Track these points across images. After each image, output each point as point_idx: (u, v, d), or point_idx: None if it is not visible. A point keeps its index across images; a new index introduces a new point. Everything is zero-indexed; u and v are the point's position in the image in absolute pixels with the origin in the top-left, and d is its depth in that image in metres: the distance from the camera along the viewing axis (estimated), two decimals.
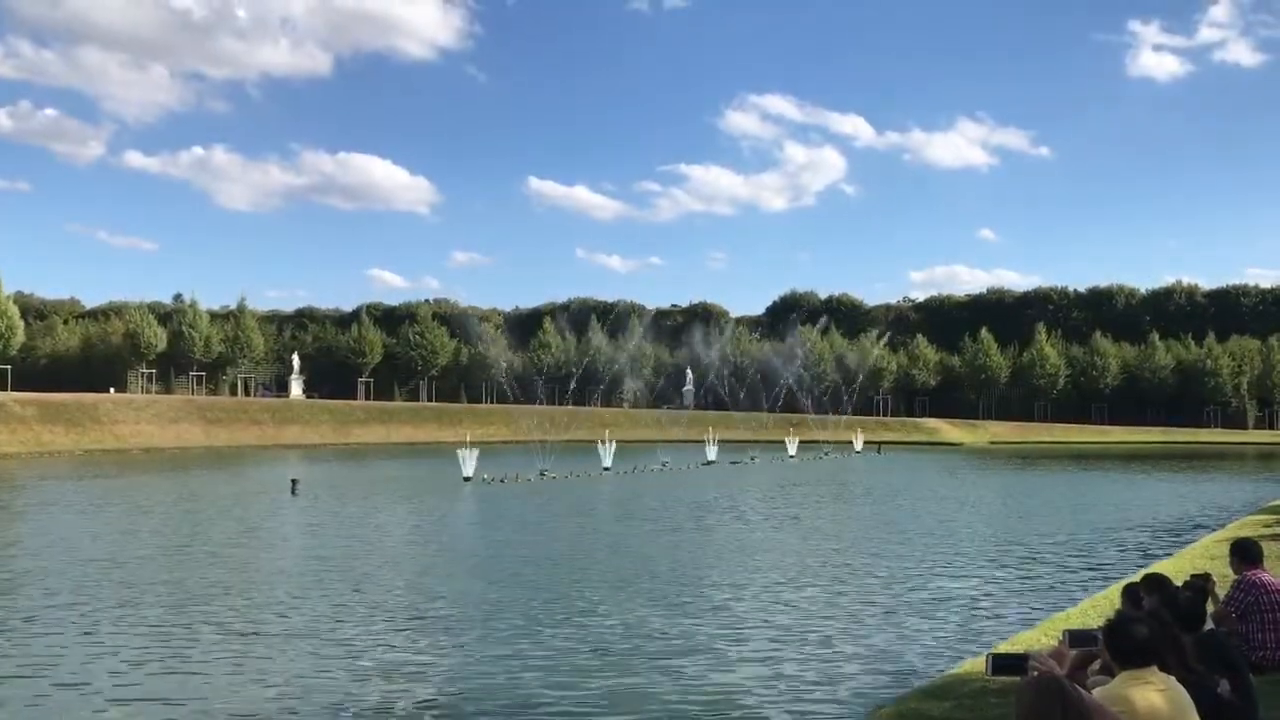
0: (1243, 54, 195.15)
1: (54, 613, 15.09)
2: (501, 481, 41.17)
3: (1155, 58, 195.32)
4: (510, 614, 15.14)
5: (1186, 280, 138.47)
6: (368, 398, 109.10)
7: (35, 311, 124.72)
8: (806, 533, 26.64)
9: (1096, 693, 5.00)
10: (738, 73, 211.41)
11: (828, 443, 75.57)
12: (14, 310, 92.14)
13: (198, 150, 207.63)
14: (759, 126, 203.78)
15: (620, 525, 28.09)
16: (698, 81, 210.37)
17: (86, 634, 13.76)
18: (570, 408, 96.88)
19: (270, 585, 17.83)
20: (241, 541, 23.98)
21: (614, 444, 51.78)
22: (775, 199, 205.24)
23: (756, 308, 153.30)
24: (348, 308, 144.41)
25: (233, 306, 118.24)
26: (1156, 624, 5.41)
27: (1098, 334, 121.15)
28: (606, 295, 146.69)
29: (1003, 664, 5.37)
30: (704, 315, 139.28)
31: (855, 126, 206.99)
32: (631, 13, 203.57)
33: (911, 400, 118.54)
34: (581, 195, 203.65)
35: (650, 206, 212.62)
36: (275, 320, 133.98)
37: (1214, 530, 24.90)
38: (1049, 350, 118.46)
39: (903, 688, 10.96)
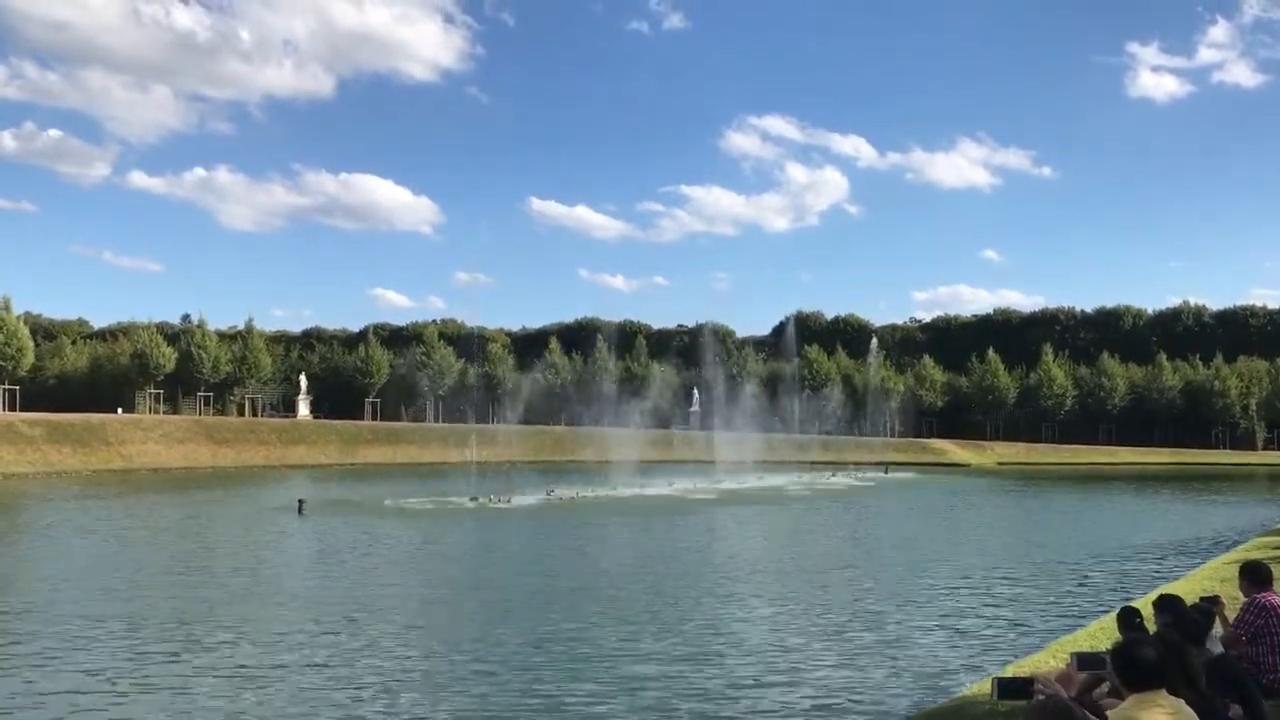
0: (1242, 75, 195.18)
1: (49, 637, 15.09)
2: (508, 502, 41.09)
3: (1154, 78, 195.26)
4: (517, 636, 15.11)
5: (1194, 301, 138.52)
6: (374, 418, 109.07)
7: (44, 332, 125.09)
8: (813, 554, 26.52)
9: (1107, 715, 4.96)
10: (737, 94, 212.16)
11: (836, 463, 75.37)
12: (23, 330, 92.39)
13: (200, 171, 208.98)
14: (760, 147, 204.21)
15: (633, 548, 28.01)
16: (698, 102, 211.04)
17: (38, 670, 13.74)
18: (576, 428, 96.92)
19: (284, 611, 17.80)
20: (250, 564, 23.95)
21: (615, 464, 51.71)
22: (778, 219, 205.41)
23: (762, 328, 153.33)
24: (355, 328, 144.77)
25: (240, 327, 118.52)
26: (1165, 646, 5.36)
27: (1105, 355, 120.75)
28: (611, 315, 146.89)
29: (1009, 688, 5.34)
30: (710, 335, 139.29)
31: (856, 147, 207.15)
32: (632, 33, 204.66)
33: (919, 421, 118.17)
34: (584, 215, 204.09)
35: (653, 227, 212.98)
36: (283, 340, 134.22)
37: (1224, 552, 24.74)
38: (1056, 371, 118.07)
39: (908, 712, 10.88)
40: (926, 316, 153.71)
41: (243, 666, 13.21)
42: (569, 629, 15.62)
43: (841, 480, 63.78)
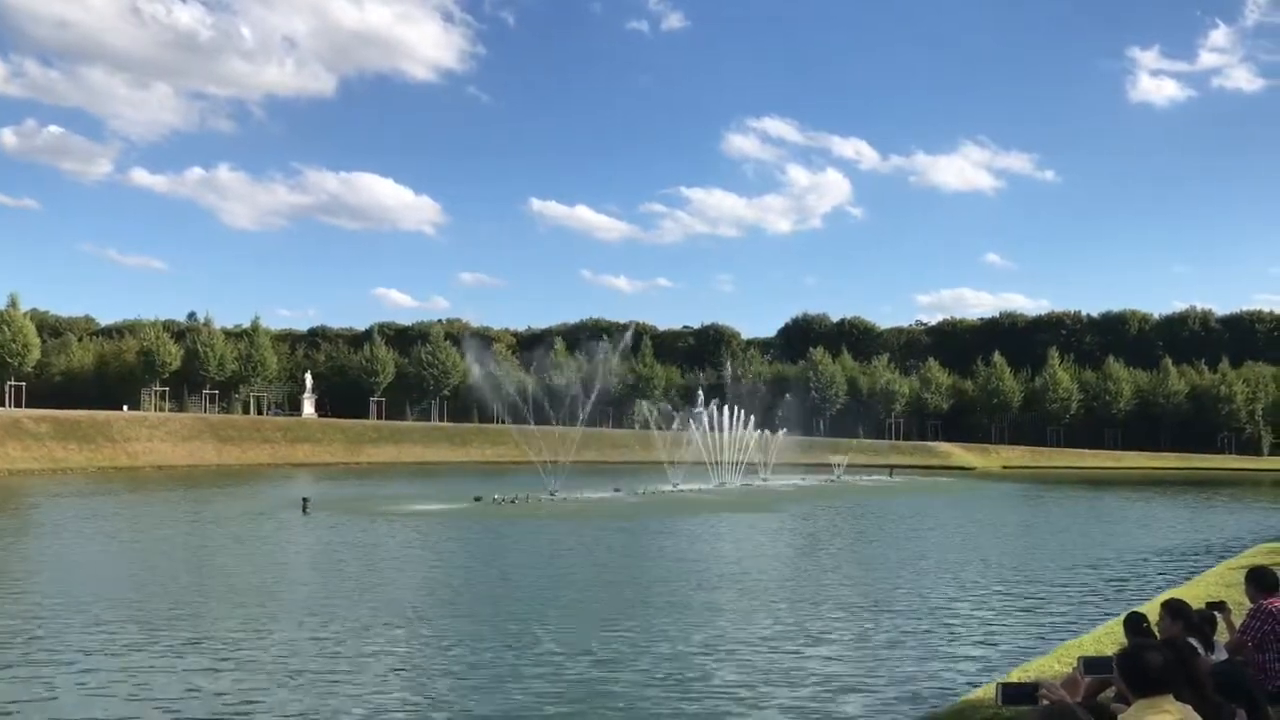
0: (1243, 79, 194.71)
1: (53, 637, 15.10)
2: (512, 502, 41.09)
3: (1154, 82, 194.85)
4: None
5: (1200, 305, 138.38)
6: (379, 417, 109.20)
7: (50, 329, 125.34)
8: (819, 559, 26.48)
9: None
10: (737, 95, 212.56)
11: (841, 466, 75.26)
12: (30, 328, 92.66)
13: (200, 170, 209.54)
14: (759, 149, 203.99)
15: (637, 550, 27.98)
16: (697, 103, 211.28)
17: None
18: (582, 429, 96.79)
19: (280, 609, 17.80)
20: (252, 562, 23.96)
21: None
22: (780, 221, 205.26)
23: (767, 330, 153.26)
24: (360, 327, 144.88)
25: (246, 325, 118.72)
26: (1171, 652, 5.33)
27: (1111, 359, 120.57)
28: (615, 316, 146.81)
29: (1013, 693, 5.29)
30: (715, 337, 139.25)
31: (858, 150, 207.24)
32: (631, 33, 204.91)
33: (924, 424, 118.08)
34: (585, 216, 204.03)
35: (655, 228, 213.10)
36: (289, 339, 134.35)
37: (1230, 557, 24.65)
38: (1062, 375, 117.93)
39: (912, 717, 10.85)
40: (931, 320, 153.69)
41: (251, 662, 13.20)
42: (564, 629, 15.59)
43: (847, 481, 63.73)
